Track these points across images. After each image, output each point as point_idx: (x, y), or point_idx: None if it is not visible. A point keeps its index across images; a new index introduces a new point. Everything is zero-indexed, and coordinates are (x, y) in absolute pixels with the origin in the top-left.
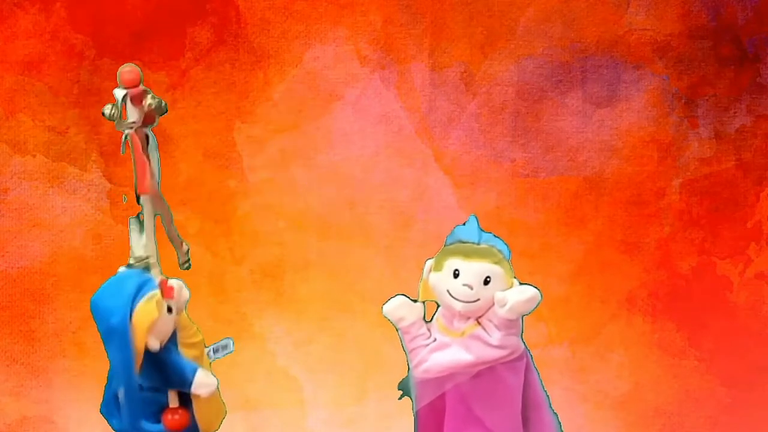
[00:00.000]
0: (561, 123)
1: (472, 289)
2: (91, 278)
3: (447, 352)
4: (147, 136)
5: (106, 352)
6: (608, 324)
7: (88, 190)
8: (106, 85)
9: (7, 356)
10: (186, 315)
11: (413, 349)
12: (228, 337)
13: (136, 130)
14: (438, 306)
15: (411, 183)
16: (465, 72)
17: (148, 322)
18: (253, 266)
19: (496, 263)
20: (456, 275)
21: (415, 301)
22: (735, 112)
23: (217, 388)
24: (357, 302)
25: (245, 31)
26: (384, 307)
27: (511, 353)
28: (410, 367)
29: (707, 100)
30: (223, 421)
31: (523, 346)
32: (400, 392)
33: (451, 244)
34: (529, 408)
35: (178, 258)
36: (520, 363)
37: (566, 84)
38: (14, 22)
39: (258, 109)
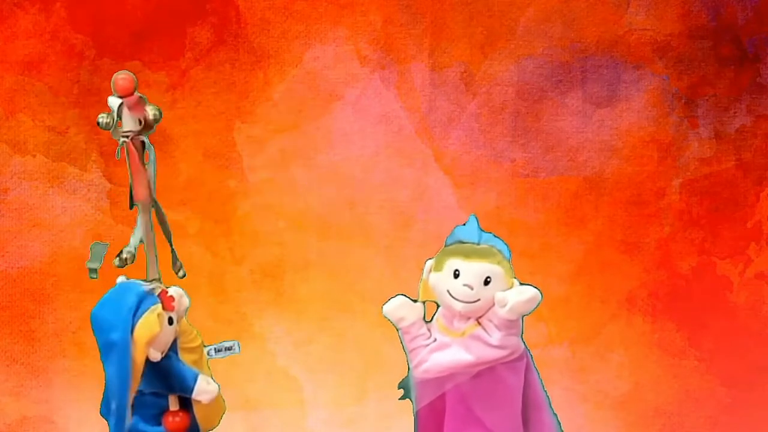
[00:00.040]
0: (561, 123)
1: (472, 289)
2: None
3: (447, 352)
4: (143, 144)
5: (103, 364)
6: (608, 324)
7: (88, 190)
8: (106, 85)
9: (7, 356)
10: (186, 320)
11: (413, 349)
12: (234, 340)
13: (131, 139)
14: (438, 306)
15: (411, 183)
16: (465, 72)
17: (149, 336)
18: (253, 266)
19: (496, 263)
20: (456, 275)
21: (415, 301)
22: (735, 112)
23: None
24: (357, 302)
25: (245, 31)
26: (384, 307)
27: (511, 353)
28: (410, 367)
29: (707, 100)
30: (223, 417)
31: (523, 347)
32: (400, 392)
33: (451, 244)
34: (529, 408)
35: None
36: (520, 363)
37: (566, 84)
38: (14, 22)
39: (258, 109)
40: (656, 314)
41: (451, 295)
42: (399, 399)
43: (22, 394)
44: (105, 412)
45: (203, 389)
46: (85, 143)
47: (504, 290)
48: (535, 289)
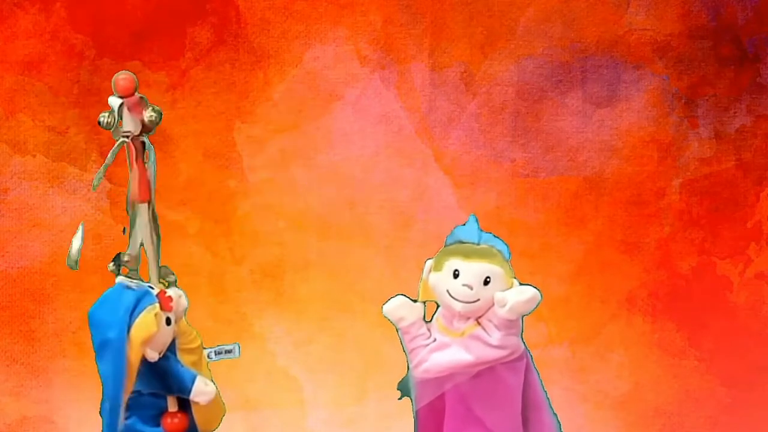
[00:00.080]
0: (561, 123)
1: (471, 289)
2: (91, 278)
3: (447, 352)
4: (143, 144)
5: (97, 364)
6: (608, 324)
7: (88, 190)
8: (106, 85)
9: (7, 356)
10: (185, 320)
11: (413, 349)
12: (235, 343)
13: (132, 139)
14: (438, 306)
15: (411, 183)
16: (465, 72)
17: (146, 336)
18: (253, 266)
19: (495, 263)
20: (456, 275)
21: (414, 301)
22: (735, 112)
23: (217, 392)
24: (357, 302)
25: (245, 31)
26: (384, 307)
27: (511, 353)
28: (410, 367)
29: (707, 100)
30: (223, 419)
31: (523, 347)
32: (400, 392)
33: (450, 244)
34: (529, 408)
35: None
36: (520, 363)
37: (566, 84)
38: (14, 22)
39: (258, 109)
40: (656, 314)
41: (450, 295)
42: (399, 399)
43: (22, 394)
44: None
45: (201, 390)
46: (85, 143)
47: (504, 290)
48: (535, 289)
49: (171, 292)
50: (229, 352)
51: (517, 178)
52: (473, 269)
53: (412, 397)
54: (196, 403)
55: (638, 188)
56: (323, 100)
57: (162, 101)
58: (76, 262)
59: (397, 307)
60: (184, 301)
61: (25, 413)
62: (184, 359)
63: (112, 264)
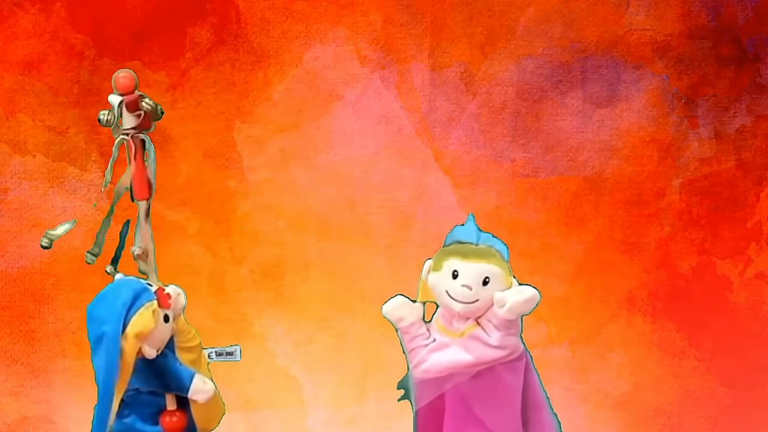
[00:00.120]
0: (561, 123)
1: (471, 289)
2: (91, 278)
3: (446, 353)
4: (143, 141)
5: (92, 359)
6: (608, 324)
7: (88, 190)
8: (106, 85)
9: (7, 356)
10: (184, 318)
11: (413, 350)
12: (236, 345)
13: (132, 137)
14: (437, 306)
15: (411, 183)
16: (465, 72)
17: (143, 331)
18: (253, 266)
19: (494, 264)
20: (455, 276)
21: (414, 301)
22: (735, 112)
23: (216, 391)
24: (357, 302)
25: (245, 31)
26: (384, 307)
27: (511, 353)
28: (409, 367)
29: (707, 100)
30: (223, 419)
31: (522, 347)
32: (400, 392)
33: (449, 244)
34: (528, 408)
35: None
36: (520, 363)
37: (566, 84)
38: (14, 22)
39: (258, 109)
40: (656, 314)
41: (449, 295)
42: (398, 399)
43: (22, 394)
44: None
45: (199, 389)
46: (85, 143)
47: (503, 290)
48: (534, 290)
49: (169, 289)
50: (230, 354)
51: (517, 178)
52: (472, 270)
53: (412, 397)
54: (195, 402)
55: (638, 188)
56: (323, 100)
57: (162, 101)
58: (51, 241)
59: (397, 307)
60: (182, 299)
61: (25, 413)
62: (183, 357)
63: (109, 267)
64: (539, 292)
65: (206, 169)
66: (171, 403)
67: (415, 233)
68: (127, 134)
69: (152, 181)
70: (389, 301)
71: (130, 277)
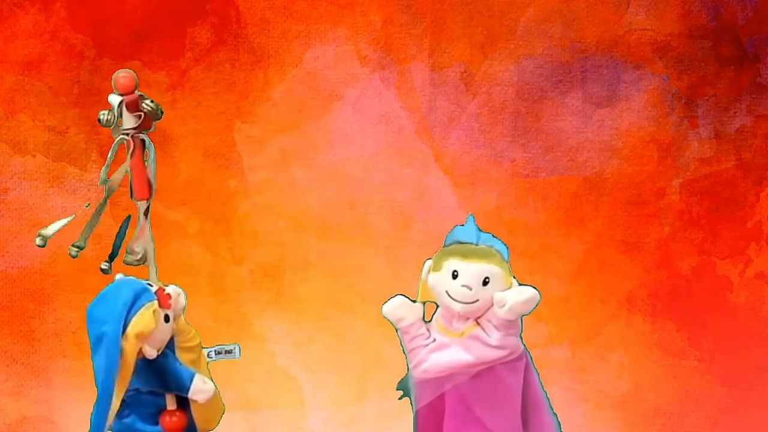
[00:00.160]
0: (561, 123)
1: (470, 290)
2: (91, 278)
3: (446, 353)
4: (143, 142)
5: (92, 360)
6: (608, 324)
7: (88, 190)
8: (106, 85)
9: (7, 356)
10: (183, 318)
11: (412, 350)
12: (235, 344)
13: (132, 137)
14: (437, 306)
15: (411, 183)
16: (465, 72)
17: (144, 332)
18: (253, 266)
19: (494, 264)
20: (455, 276)
21: (414, 301)
22: (735, 112)
23: (216, 391)
24: (357, 302)
25: (245, 31)
26: (383, 307)
27: (511, 353)
28: (409, 367)
29: (707, 100)
30: (223, 418)
31: (522, 347)
32: (400, 392)
33: (449, 244)
34: (528, 408)
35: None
36: (520, 363)
37: (566, 84)
38: (14, 22)
39: (258, 109)
40: (656, 314)
41: (449, 295)
42: (399, 399)
43: (22, 394)
44: None
45: (199, 388)
46: (85, 143)
47: (503, 290)
48: (534, 290)
49: (170, 289)
50: (229, 352)
51: (517, 178)
52: (472, 270)
53: (412, 397)
54: (195, 402)
55: (638, 188)
56: (323, 100)
57: (162, 101)
58: (45, 239)
59: (397, 308)
60: (182, 299)
61: (25, 413)
62: (183, 357)
63: (105, 263)
64: (539, 292)
65: (206, 169)
66: (171, 403)
67: (415, 233)
68: (127, 134)
69: (152, 181)
70: (389, 301)
71: (131, 278)
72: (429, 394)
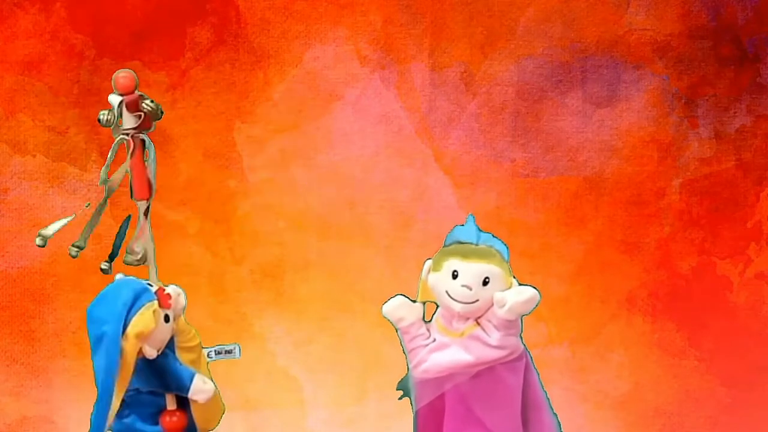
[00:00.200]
0: (561, 123)
1: (470, 290)
2: (91, 278)
3: (446, 353)
4: (143, 142)
5: (92, 360)
6: (608, 324)
7: (88, 190)
8: (106, 85)
9: (7, 356)
10: (183, 318)
11: (412, 350)
12: (235, 344)
13: (132, 137)
14: (437, 306)
15: (411, 183)
16: (465, 72)
17: (144, 332)
18: (253, 266)
19: (494, 264)
20: (455, 276)
21: (414, 301)
22: (735, 112)
23: (216, 391)
24: (357, 302)
25: (245, 31)
26: (383, 307)
27: (511, 353)
28: (410, 367)
29: (707, 100)
30: (223, 418)
31: (522, 347)
32: (400, 392)
33: (449, 244)
34: (528, 408)
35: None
36: (520, 363)
37: (566, 84)
38: (14, 22)
39: (258, 109)
40: (656, 314)
41: (449, 295)
42: (399, 399)
43: (22, 394)
44: None
45: (199, 388)
46: (85, 143)
47: (503, 290)
48: (534, 290)
49: (170, 289)
50: (229, 352)
51: (517, 178)
52: (472, 270)
53: (412, 397)
54: (195, 402)
55: (638, 188)
56: (323, 100)
57: (162, 101)
58: (45, 239)
59: (397, 308)
60: (182, 299)
61: (25, 413)
62: (183, 357)
63: (105, 263)
64: (539, 292)
65: (206, 169)
66: (171, 403)
67: (415, 233)
68: (127, 134)
69: (152, 181)
70: (389, 301)
71: (131, 278)
72: (429, 394)
